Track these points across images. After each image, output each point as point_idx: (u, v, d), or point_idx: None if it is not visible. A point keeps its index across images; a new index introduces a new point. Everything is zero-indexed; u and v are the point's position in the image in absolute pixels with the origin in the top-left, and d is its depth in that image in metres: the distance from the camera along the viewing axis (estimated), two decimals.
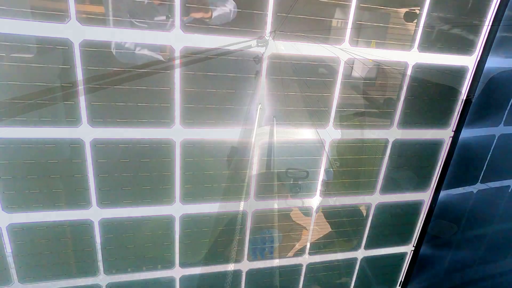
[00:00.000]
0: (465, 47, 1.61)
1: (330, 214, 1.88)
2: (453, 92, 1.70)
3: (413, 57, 1.55)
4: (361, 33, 1.44)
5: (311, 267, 1.94)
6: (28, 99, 1.27)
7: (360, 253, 1.98)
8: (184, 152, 1.47)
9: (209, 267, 1.74)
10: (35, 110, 1.29)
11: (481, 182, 2.03)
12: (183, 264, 1.70)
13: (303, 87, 1.47)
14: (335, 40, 1.42)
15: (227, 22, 1.34)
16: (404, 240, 2.05)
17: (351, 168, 1.73)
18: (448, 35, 1.57)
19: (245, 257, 1.79)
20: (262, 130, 1.52)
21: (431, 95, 1.68)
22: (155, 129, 1.41)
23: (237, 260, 1.77)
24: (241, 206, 1.66)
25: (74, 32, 1.18)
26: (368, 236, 1.93)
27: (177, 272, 1.71)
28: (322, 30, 1.39)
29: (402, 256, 2.10)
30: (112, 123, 1.36)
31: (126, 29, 1.24)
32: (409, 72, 1.57)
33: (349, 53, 1.44)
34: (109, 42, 1.24)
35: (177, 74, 1.34)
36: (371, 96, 1.64)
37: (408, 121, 1.68)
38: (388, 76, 1.58)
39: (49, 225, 1.46)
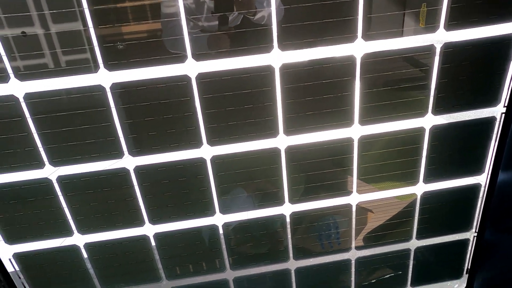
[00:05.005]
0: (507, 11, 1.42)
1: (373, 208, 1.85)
2: (498, 65, 1.51)
3: (440, 37, 1.42)
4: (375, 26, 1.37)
5: (361, 262, 1.93)
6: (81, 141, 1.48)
7: (412, 244, 1.91)
8: (215, 168, 1.58)
9: (257, 268, 1.86)
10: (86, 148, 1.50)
11: None
12: (233, 268, 1.84)
13: (320, 91, 1.46)
14: (346, 38, 1.38)
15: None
16: (464, 227, 1.92)
17: (386, 162, 1.67)
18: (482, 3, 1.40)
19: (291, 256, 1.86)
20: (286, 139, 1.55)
21: (469, 73, 1.52)
22: (186, 150, 1.54)
23: (282, 260, 1.85)
24: (278, 210, 1.73)
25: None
26: (418, 227, 1.85)
27: (229, 275, 1.86)
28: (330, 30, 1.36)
29: (464, 242, 1.96)
30: (149, 151, 1.52)
31: None
32: (437, 54, 1.44)
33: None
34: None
35: (197, 100, 1.43)
36: (399, 86, 1.55)
37: (446, 106, 1.55)
38: (414, 64, 1.48)
39: (113, 242, 1.70)
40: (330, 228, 1.92)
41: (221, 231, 1.75)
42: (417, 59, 1.57)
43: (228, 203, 1.71)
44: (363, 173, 1.69)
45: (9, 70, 1.26)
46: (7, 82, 1.27)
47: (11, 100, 1.29)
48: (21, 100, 1.30)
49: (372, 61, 1.44)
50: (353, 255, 1.91)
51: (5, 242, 1.63)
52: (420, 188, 1.73)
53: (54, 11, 1.23)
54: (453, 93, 1.52)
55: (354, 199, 1.75)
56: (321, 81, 1.44)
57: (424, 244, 1.88)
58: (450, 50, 1.43)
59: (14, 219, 1.60)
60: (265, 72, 1.41)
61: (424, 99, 1.52)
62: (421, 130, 1.58)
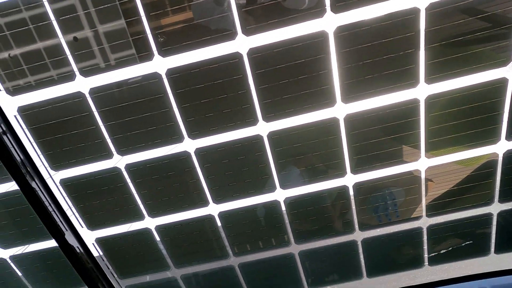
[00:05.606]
0: None
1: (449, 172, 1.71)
2: None
3: None
4: None
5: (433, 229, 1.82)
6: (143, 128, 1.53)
7: (495, 208, 1.75)
8: (272, 144, 1.55)
9: (322, 241, 1.84)
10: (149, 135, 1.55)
11: None
12: (298, 242, 1.84)
13: (380, 51, 1.34)
14: None
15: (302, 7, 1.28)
16: None
17: (460, 120, 1.51)
18: None
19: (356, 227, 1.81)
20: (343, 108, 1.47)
21: None
22: (242, 129, 1.53)
23: (347, 231, 1.81)
24: (340, 182, 1.67)
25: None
26: (501, 190, 1.68)
27: (295, 249, 1.87)
28: None
29: None
30: (207, 132, 1.54)
31: None
32: None
33: None
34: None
35: (250, 77, 1.40)
36: (472, 36, 1.37)
37: None
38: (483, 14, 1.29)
39: (181, 223, 1.78)
40: (389, 199, 1.82)
41: (283, 207, 1.74)
42: (482, 9, 1.37)
43: (288, 178, 1.69)
44: (432, 136, 1.55)
45: (75, 69, 1.32)
46: (73, 79, 1.34)
47: (78, 96, 1.37)
48: (87, 95, 1.37)
49: (438, 12, 1.28)
50: (424, 222, 1.80)
51: (88, 229, 1.77)
52: (502, 147, 1.56)
53: (107, 5, 1.26)
54: None
55: (422, 164, 1.64)
56: (380, 40, 1.32)
57: (510, 208, 1.71)
58: None
59: (92, 207, 1.73)
60: (319, 39, 1.32)
61: (503, 47, 1.34)
62: (502, 81, 1.40)
